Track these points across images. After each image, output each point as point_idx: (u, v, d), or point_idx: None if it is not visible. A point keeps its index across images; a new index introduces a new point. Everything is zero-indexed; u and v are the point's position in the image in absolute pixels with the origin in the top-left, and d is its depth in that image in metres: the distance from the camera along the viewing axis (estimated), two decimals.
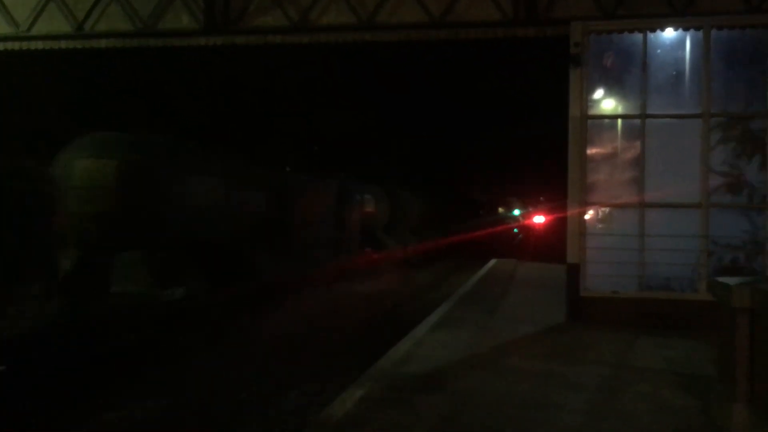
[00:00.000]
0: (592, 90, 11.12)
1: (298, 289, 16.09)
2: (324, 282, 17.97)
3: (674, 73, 10.90)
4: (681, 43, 10.88)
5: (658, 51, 10.93)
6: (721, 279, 6.00)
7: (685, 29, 10.85)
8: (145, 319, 11.31)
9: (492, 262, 24.02)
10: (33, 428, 7.48)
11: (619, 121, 11.14)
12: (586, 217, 11.21)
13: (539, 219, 50.73)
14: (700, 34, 10.81)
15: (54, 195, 10.20)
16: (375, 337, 11.85)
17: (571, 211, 11.15)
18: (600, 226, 11.21)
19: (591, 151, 11.19)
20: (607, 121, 11.20)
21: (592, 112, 11.16)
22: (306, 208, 18.11)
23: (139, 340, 10.82)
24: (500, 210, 59.51)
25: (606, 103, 11.22)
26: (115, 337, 10.46)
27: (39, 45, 12.48)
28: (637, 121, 11.05)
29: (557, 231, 24.95)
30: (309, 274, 17.34)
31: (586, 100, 11.06)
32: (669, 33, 10.94)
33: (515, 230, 54.15)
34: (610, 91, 11.20)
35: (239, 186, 14.78)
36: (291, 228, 17.13)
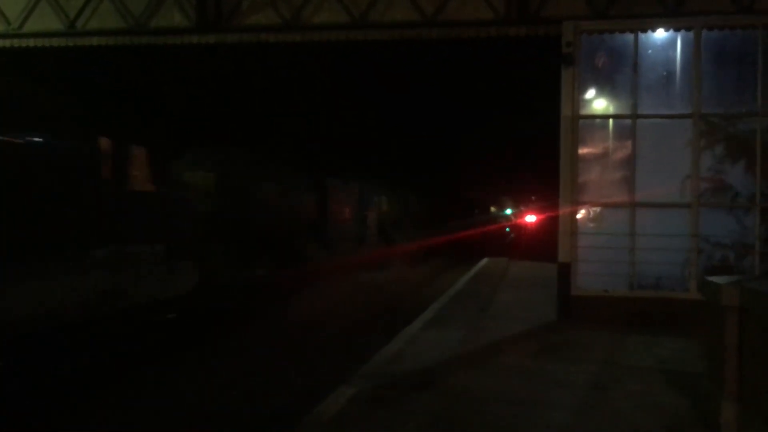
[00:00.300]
0: (584, 90, 11.11)
1: (332, 273, 19.73)
2: (352, 268, 21.14)
3: (665, 73, 10.89)
4: (672, 43, 10.89)
5: (649, 51, 10.93)
6: (710, 278, 6.02)
7: (676, 30, 10.85)
8: (239, 290, 15.82)
9: (484, 260, 24.05)
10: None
11: (611, 121, 11.13)
12: (578, 216, 11.18)
13: (531, 218, 50.69)
14: (691, 34, 10.81)
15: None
16: (393, 314, 14.42)
17: (563, 211, 11.12)
18: (591, 225, 11.19)
19: (582, 150, 11.17)
20: (598, 120, 11.17)
21: (584, 112, 11.14)
22: (338, 208, 22.12)
23: (243, 302, 15.20)
24: (492, 209, 59.60)
25: (597, 103, 11.20)
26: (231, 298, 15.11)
27: (30, 43, 12.43)
28: (628, 121, 11.03)
29: (549, 230, 25.09)
30: (341, 262, 21.06)
31: (577, 100, 11.04)
32: (660, 33, 10.94)
33: (507, 229, 54.42)
34: (601, 91, 11.19)
35: (293, 190, 19.12)
36: (328, 224, 21.39)
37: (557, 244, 11.19)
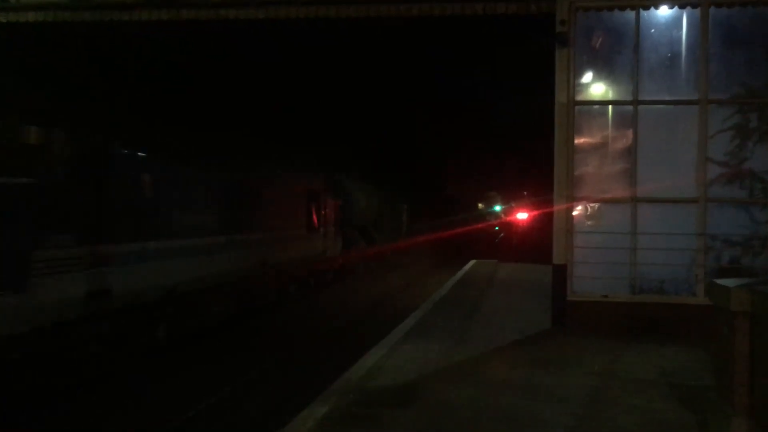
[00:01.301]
0: (581, 73, 11.14)
1: (391, 252, 30.09)
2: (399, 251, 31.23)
3: (669, 55, 10.95)
4: (677, 22, 10.92)
5: (652, 30, 10.95)
6: (719, 281, 6.08)
7: (681, 6, 10.86)
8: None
9: (470, 263, 24.18)
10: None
11: (610, 107, 11.22)
12: (574, 213, 11.22)
13: (522, 215, 50.85)
14: (698, 12, 10.83)
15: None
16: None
17: (557, 207, 11.15)
18: (589, 223, 11.25)
19: (579, 140, 11.19)
20: (596, 107, 11.25)
21: (580, 97, 11.17)
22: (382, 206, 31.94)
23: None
24: (480, 206, 59.46)
25: (595, 87, 11.26)
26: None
27: None
28: (629, 108, 11.09)
29: (542, 229, 25.43)
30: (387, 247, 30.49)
31: (573, 85, 11.05)
32: (663, 11, 10.95)
33: (496, 228, 54.58)
34: (599, 75, 11.24)
35: (369, 194, 29.06)
36: (382, 219, 30.89)
37: (551, 244, 11.20)
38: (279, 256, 17.27)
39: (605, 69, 11.18)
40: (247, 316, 15.26)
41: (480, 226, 47.18)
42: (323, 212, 21.34)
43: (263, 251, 16.19)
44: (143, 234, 11.28)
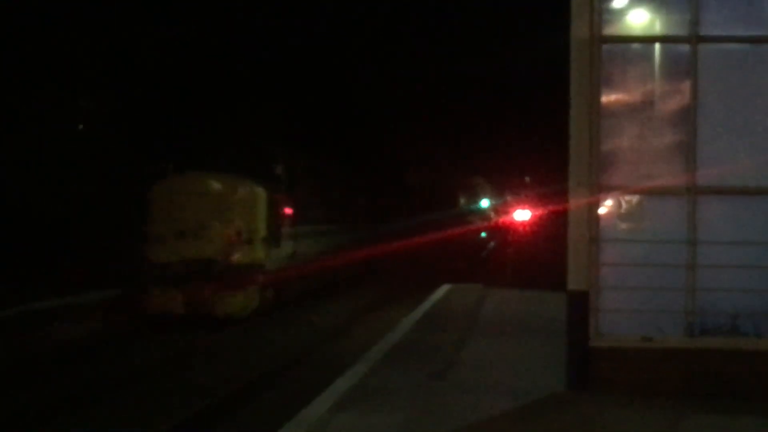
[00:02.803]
0: None
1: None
2: None
3: None
4: None
5: None
6: None
7: None
8: None
9: (443, 289, 23.39)
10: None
11: (656, 47, 10.49)
12: (600, 211, 10.41)
13: (522, 215, 49.00)
14: None
15: None
16: None
17: (575, 203, 10.32)
18: (623, 226, 10.56)
19: (607, 98, 10.36)
20: (633, 47, 10.56)
21: (610, 31, 10.43)
22: None
23: None
24: (461, 201, 56.49)
25: (633, 16, 10.64)
26: None
27: None
28: (685, 48, 10.34)
29: (551, 235, 25.10)
30: None
31: (598, 12, 10.25)
32: None
33: (482, 234, 53.30)
34: None
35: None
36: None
37: (565, 259, 10.42)
38: None
39: None
40: None
41: (458, 231, 44.87)
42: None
43: None
44: (304, 224, 23.32)
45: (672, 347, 10.16)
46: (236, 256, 19.75)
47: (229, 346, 17.83)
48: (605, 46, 10.40)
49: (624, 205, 10.64)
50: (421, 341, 14.99)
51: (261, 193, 21.04)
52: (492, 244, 50.19)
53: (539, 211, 42.17)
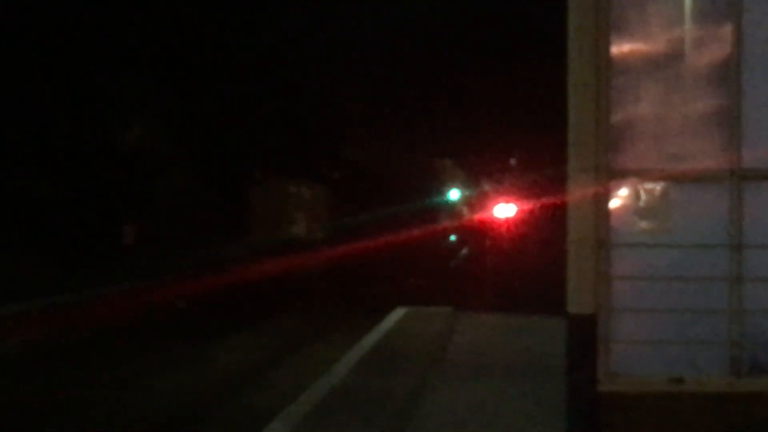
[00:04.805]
0: None
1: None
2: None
3: None
4: None
5: None
6: None
7: None
8: None
9: (396, 313, 23.40)
10: None
11: None
12: (611, 206, 10.20)
13: (505, 210, 48.83)
14: None
15: None
16: None
17: (577, 193, 10.16)
18: (643, 225, 10.20)
19: (619, 49, 10.11)
20: None
21: None
22: None
23: None
24: (421, 191, 56.13)
25: None
26: None
27: None
28: None
29: (544, 238, 25.54)
30: None
31: None
32: None
33: (451, 237, 53.44)
34: None
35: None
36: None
37: (564, 271, 10.28)
38: None
39: None
40: None
41: (418, 233, 45.13)
42: None
43: None
44: None
45: (711, 391, 9.92)
46: None
47: (96, 402, 17.04)
48: None
49: (644, 196, 10.19)
50: (367, 387, 14.74)
51: None
52: (464, 251, 50.42)
53: (528, 206, 42.05)
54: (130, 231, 39.11)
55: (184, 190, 42.56)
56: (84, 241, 33.52)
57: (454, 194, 56.13)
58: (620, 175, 10.05)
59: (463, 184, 55.51)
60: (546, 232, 26.86)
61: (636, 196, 10.15)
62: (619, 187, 10.12)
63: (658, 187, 10.11)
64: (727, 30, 9.91)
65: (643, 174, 10.09)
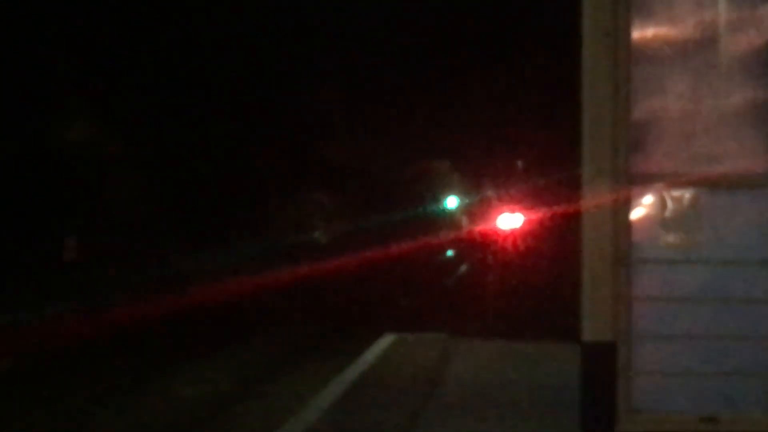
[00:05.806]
0: None
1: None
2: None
3: None
4: None
5: None
6: None
7: None
8: None
9: (384, 341, 23.62)
10: None
11: None
12: (634, 215, 10.35)
13: (510, 221, 49.18)
14: None
15: None
16: None
17: (593, 201, 10.34)
18: (669, 239, 10.34)
19: (642, 34, 10.30)
20: None
21: None
22: None
23: None
24: (414, 198, 56.28)
25: None
26: None
27: None
28: None
29: (555, 253, 26.39)
30: None
31: None
32: None
33: (448, 251, 54.01)
34: None
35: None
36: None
37: (578, 291, 10.49)
38: None
39: None
40: None
41: (410, 247, 45.38)
42: None
43: None
44: None
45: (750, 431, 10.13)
46: None
47: None
48: None
49: (670, 204, 10.29)
50: (348, 427, 14.86)
51: None
52: (464, 267, 50.82)
53: (537, 216, 42.24)
54: (72, 245, 39.17)
55: (138, 197, 43.05)
56: (18, 258, 33.22)
57: (451, 202, 56.26)
58: (642, 181, 10.15)
59: (462, 191, 55.55)
60: (557, 247, 27.22)
61: (661, 204, 10.24)
62: (641, 195, 10.23)
63: (686, 193, 10.20)
64: (766, 12, 10.08)
65: (669, 179, 10.17)
